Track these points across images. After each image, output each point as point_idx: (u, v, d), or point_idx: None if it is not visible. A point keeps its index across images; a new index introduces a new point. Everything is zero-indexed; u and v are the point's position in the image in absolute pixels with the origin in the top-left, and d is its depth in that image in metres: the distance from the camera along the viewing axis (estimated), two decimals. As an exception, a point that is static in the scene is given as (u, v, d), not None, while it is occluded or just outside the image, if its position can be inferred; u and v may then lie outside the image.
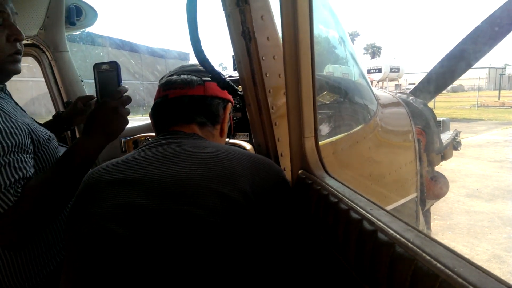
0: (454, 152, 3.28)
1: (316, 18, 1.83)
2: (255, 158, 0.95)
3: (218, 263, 0.76)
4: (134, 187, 0.84)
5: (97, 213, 0.82)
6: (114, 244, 0.77)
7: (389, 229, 0.62)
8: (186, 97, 1.07)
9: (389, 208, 1.87)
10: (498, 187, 6.41)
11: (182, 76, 1.10)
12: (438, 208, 5.24)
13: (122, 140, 2.42)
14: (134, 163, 0.91)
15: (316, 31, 1.85)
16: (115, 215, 0.80)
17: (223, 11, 1.11)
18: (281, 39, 1.02)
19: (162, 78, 1.16)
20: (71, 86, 2.46)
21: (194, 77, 1.10)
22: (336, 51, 2.12)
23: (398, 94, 2.65)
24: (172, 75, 1.13)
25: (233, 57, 2.09)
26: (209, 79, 1.11)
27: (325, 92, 1.68)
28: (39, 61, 2.46)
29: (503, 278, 0.46)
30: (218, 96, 1.12)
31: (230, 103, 1.16)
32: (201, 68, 1.14)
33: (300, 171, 1.03)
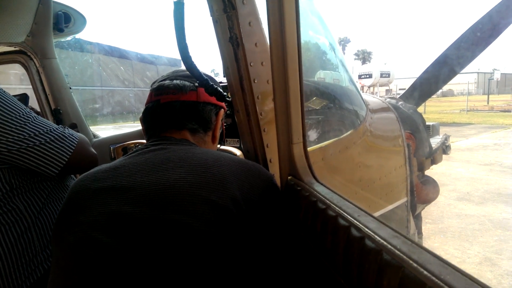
0: (444, 156, 3.30)
1: (306, 25, 1.84)
2: (245, 164, 0.94)
3: (207, 271, 0.74)
4: (122, 195, 0.82)
5: (84, 221, 0.81)
6: (100, 254, 0.75)
7: (376, 236, 0.61)
8: (178, 102, 1.05)
9: (379, 213, 1.87)
10: (488, 190, 6.47)
11: (174, 81, 1.08)
12: (429, 212, 5.27)
13: (111, 148, 2.40)
14: (122, 170, 0.89)
15: (307, 38, 1.86)
16: (101, 224, 0.79)
17: (211, 17, 1.11)
18: (269, 44, 1.02)
19: (154, 82, 1.15)
20: (59, 94, 2.44)
21: (187, 83, 1.08)
22: (326, 57, 2.13)
23: (388, 99, 2.66)
24: (165, 79, 1.11)
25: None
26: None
27: (314, 98, 1.68)
28: (26, 68, 2.43)
29: (495, 280, 0.46)
30: (210, 103, 1.10)
31: (222, 110, 1.15)
32: (196, 74, 1.12)
33: (289, 177, 1.02)
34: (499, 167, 8.15)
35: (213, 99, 1.11)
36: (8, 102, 1.08)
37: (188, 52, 1.08)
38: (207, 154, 0.92)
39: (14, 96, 1.29)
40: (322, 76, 2.15)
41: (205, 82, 1.09)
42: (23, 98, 1.75)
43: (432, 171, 3.32)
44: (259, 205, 0.87)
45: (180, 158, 0.89)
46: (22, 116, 1.10)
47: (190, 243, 0.75)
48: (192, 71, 1.09)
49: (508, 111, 22.39)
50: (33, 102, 2.04)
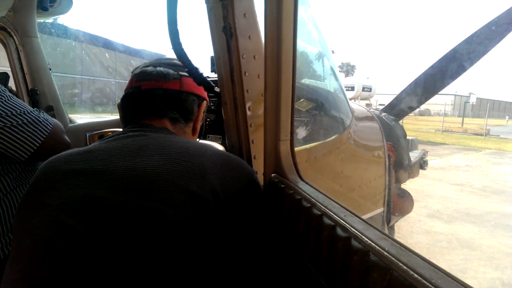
0: (420, 171, 3.35)
1: (302, 31, 1.83)
2: (227, 157, 0.91)
3: (180, 261, 0.71)
4: (94, 178, 0.78)
5: (51, 204, 0.76)
6: (68, 239, 0.70)
7: (363, 237, 0.59)
8: (160, 89, 1.00)
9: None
10: (457, 210, 6.63)
11: (158, 68, 1.04)
12: (399, 226, 5.34)
13: (87, 135, 2.32)
14: (96, 154, 0.84)
15: (302, 44, 1.85)
16: (70, 207, 0.74)
17: (205, 5, 1.08)
18: (263, 40, 1.00)
19: (136, 68, 1.10)
20: (38, 74, 2.35)
21: (170, 71, 1.04)
22: (315, 66, 2.13)
23: (372, 110, 2.69)
24: (148, 66, 1.07)
25: (211, 57, 2.06)
26: (186, 74, 1.06)
27: (302, 100, 1.66)
28: (5, 45, 2.33)
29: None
30: (194, 93, 1.06)
31: (205, 102, 1.12)
32: (179, 62, 1.09)
33: (273, 175, 1.00)
34: (469, 188, 8.38)
35: (196, 90, 1.07)
36: None
37: (179, 39, 1.05)
38: (188, 144, 0.89)
39: None
40: (313, 82, 2.15)
41: (194, 71, 1.06)
42: (3, 77, 1.67)
43: (405, 187, 3.37)
44: (239, 199, 0.85)
45: (159, 145, 0.86)
46: None
47: (164, 232, 0.71)
48: (182, 59, 1.06)
49: (481, 134, 23.13)
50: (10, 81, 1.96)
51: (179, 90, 1.03)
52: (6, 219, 1.11)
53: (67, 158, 0.85)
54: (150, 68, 1.04)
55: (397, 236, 5.11)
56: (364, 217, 1.99)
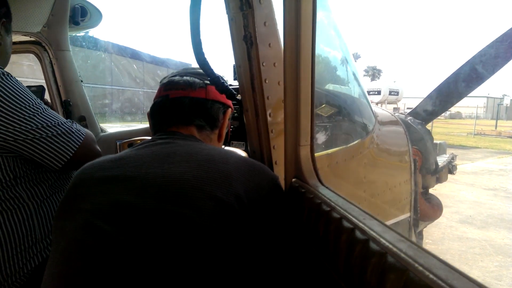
0: (449, 177, 3.27)
1: (324, 36, 1.84)
2: (251, 163, 0.93)
3: (206, 266, 0.73)
4: (126, 184, 0.82)
5: (86, 209, 0.80)
6: (100, 241, 0.74)
7: (381, 239, 0.60)
8: (187, 98, 1.05)
9: (382, 226, 1.84)
10: (491, 215, 6.40)
11: (184, 78, 1.09)
12: (430, 233, 5.21)
13: (118, 143, 2.40)
14: (128, 161, 0.88)
15: (320, 51, 1.87)
16: (103, 211, 0.78)
17: (226, 15, 1.11)
18: (282, 47, 1.02)
19: (164, 78, 1.16)
20: (70, 86, 2.45)
21: (196, 80, 1.09)
22: (337, 72, 2.13)
23: (397, 114, 2.65)
24: (175, 75, 1.12)
25: (234, 66, 2.10)
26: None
27: (323, 105, 1.67)
28: (40, 59, 2.45)
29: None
30: (219, 101, 1.11)
31: (230, 109, 1.15)
32: (206, 72, 1.12)
33: (293, 180, 1.01)
34: (503, 193, 8.07)
35: (221, 98, 1.11)
36: (20, 91, 1.09)
37: (201, 48, 1.08)
38: (213, 151, 0.92)
39: (31, 87, 1.30)
40: (334, 88, 2.15)
41: (216, 80, 1.09)
42: (40, 90, 1.76)
43: (435, 192, 3.29)
44: (263, 205, 0.87)
45: (186, 152, 0.89)
46: (32, 106, 1.10)
47: (191, 237, 0.74)
48: (204, 68, 1.09)
49: (516, 137, 22.25)
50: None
51: (205, 98, 1.08)
52: (44, 224, 1.17)
53: (100, 166, 0.90)
54: (177, 78, 1.10)
55: (428, 242, 4.99)
56: (390, 222, 1.99)
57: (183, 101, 1.05)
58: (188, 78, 1.09)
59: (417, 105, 2.97)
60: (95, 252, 0.74)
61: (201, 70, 1.13)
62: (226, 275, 0.76)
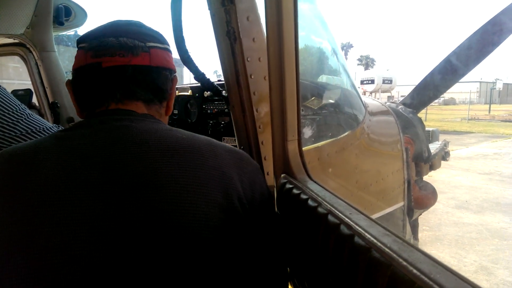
0: (444, 163, 3.28)
1: (309, 29, 1.83)
2: (235, 152, 0.85)
3: (205, 270, 0.72)
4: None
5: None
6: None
7: (366, 234, 0.59)
8: (129, 67, 0.82)
9: (375, 216, 1.85)
10: (487, 199, 6.46)
11: (121, 39, 0.83)
12: (427, 219, 5.25)
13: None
14: (86, 151, 0.73)
15: (310, 42, 1.85)
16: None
17: (208, 11, 1.09)
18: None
19: (86, 37, 0.86)
20: (57, 87, 2.43)
21: (137, 42, 0.84)
22: (329, 62, 2.12)
23: (388, 103, 2.65)
24: (104, 35, 0.84)
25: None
26: (155, 45, 0.87)
27: (312, 98, 1.66)
28: (25, 61, 2.42)
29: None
30: (165, 67, 0.88)
31: (176, 75, 0.94)
32: (145, 29, 0.89)
33: (282, 175, 1.00)
34: (498, 177, 8.14)
35: (167, 63, 0.89)
36: (3, 97, 1.07)
37: (185, 45, 1.07)
38: (193, 140, 0.79)
39: (18, 90, 1.27)
40: (324, 80, 2.15)
41: (201, 77, 1.08)
42: (28, 93, 1.73)
43: (431, 179, 3.30)
44: (256, 196, 0.83)
45: (160, 142, 0.76)
46: (16, 112, 1.08)
47: (198, 254, 0.71)
48: (189, 65, 1.07)
49: (509, 121, 22.39)
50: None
51: (150, 66, 0.85)
52: None
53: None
54: (111, 40, 0.82)
55: (424, 228, 5.03)
56: (383, 212, 1.99)
57: (124, 71, 0.82)
58: (126, 39, 0.83)
59: (408, 94, 2.97)
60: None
61: (140, 26, 0.89)
62: (224, 277, 0.74)
